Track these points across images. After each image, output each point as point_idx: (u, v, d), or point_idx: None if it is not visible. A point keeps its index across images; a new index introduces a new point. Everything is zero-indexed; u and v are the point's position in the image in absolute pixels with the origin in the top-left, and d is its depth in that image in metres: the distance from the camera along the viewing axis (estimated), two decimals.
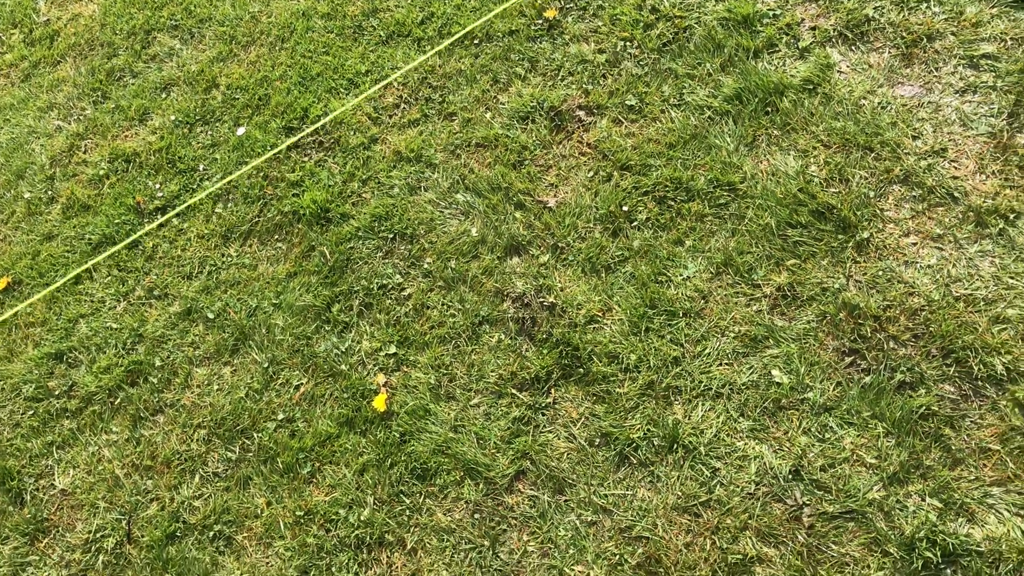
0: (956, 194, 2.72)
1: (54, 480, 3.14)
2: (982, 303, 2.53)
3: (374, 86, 3.80)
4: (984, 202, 2.68)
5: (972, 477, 2.32)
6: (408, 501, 2.74)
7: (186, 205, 3.68)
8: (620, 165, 3.17)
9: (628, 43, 3.49)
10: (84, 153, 4.19)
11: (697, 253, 2.90)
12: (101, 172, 4.04)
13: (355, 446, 2.88)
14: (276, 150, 3.72)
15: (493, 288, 3.06)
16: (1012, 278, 2.54)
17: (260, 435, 3.00)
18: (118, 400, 3.26)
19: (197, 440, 3.08)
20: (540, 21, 3.69)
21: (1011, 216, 2.63)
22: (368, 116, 3.72)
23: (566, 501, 2.60)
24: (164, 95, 4.28)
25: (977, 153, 2.79)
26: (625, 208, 3.06)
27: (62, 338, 3.50)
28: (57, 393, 3.35)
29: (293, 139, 3.72)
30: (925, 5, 3.14)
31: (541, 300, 2.97)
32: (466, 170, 3.39)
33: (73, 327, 3.53)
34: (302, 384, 3.08)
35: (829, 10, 3.26)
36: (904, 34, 3.09)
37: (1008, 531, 2.21)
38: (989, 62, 2.94)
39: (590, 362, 2.79)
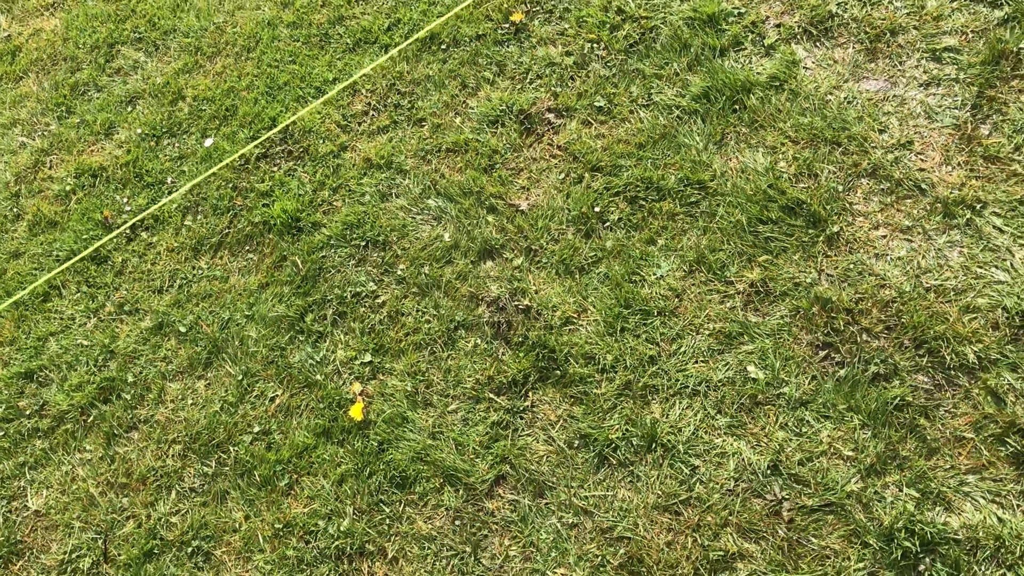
0: (923, 186, 2.75)
1: (27, 501, 3.10)
2: (952, 293, 2.55)
3: (340, 93, 3.79)
4: (951, 193, 2.70)
5: (948, 466, 2.34)
6: (388, 510, 2.72)
7: (142, 215, 3.64)
8: (591, 166, 3.18)
9: (595, 45, 3.50)
10: (50, 169, 4.13)
11: (670, 252, 2.91)
12: (67, 188, 3.99)
13: (333, 456, 2.86)
14: (230, 159, 3.69)
15: (468, 293, 3.05)
16: (980, 267, 2.57)
17: (236, 448, 2.97)
18: (91, 418, 3.21)
19: (172, 456, 3.04)
20: (507, 25, 3.69)
21: (977, 206, 2.66)
22: (337, 124, 3.70)
23: (547, 504, 2.59)
24: (130, 108, 4.24)
25: (943, 145, 2.81)
26: (597, 209, 3.07)
27: (32, 357, 3.45)
28: (28, 413, 3.30)
29: (247, 148, 3.69)
30: None
31: (516, 303, 2.96)
32: (437, 175, 3.38)
33: (43, 345, 3.48)
34: (277, 396, 3.05)
35: (793, 7, 3.29)
36: (868, 29, 3.12)
37: (984, 518, 2.23)
38: (951, 55, 2.97)
39: (567, 364, 2.79)
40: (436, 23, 3.73)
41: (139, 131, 4.08)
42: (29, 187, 4.09)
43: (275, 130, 3.71)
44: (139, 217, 3.66)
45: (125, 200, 3.82)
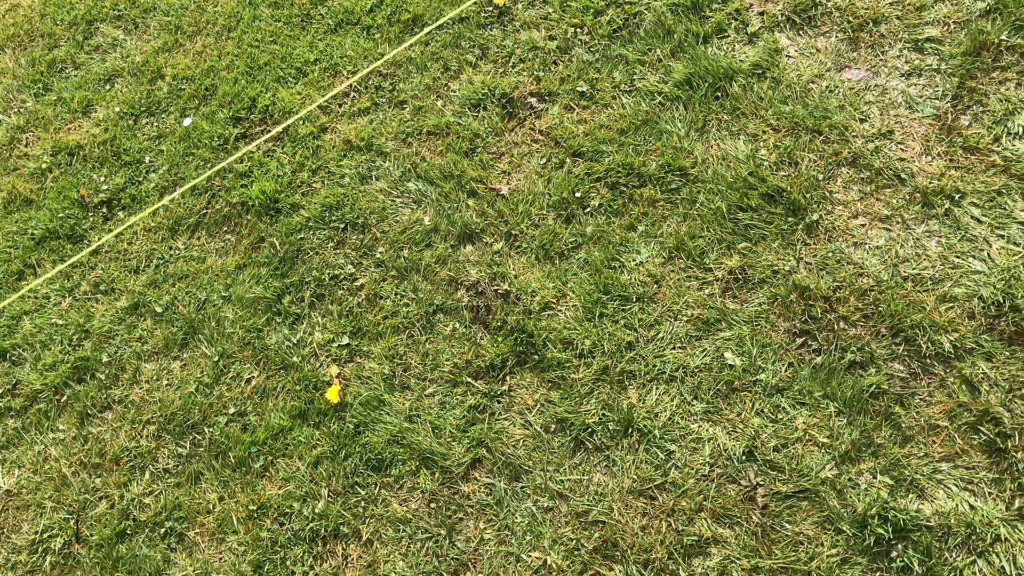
0: (903, 175, 2.76)
1: None
2: (929, 282, 2.56)
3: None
4: (930, 183, 2.71)
5: (922, 454, 2.35)
6: (363, 492, 2.71)
7: (165, 199, 3.60)
8: (572, 151, 3.17)
9: (578, 29, 3.48)
10: (26, 146, 4.08)
11: (650, 238, 2.90)
12: (44, 165, 3.94)
13: (308, 438, 2.84)
14: (242, 152, 3.65)
15: (447, 277, 3.04)
16: (958, 257, 2.58)
17: (211, 430, 2.95)
18: (64, 397, 3.18)
19: (147, 436, 3.02)
20: (490, 8, 3.67)
21: (956, 196, 2.67)
22: (317, 105, 3.67)
23: (522, 488, 2.59)
24: (108, 86, 4.19)
25: (923, 135, 2.82)
26: (578, 194, 3.06)
27: (5, 336, 3.41)
28: (0, 392, 3.26)
29: (278, 128, 3.66)
30: None
31: (495, 288, 2.95)
32: (418, 158, 3.36)
33: (16, 324, 3.44)
34: (253, 377, 3.03)
35: None
36: (850, 18, 3.12)
37: (956, 505, 2.25)
38: (933, 45, 2.97)
39: (545, 349, 2.78)
40: (442, 19, 3.70)
41: (117, 109, 4.03)
42: (4, 164, 4.03)
43: (280, 126, 3.68)
44: (159, 204, 3.62)
45: (102, 179, 3.78)
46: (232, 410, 2.98)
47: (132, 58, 4.25)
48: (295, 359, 3.01)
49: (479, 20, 3.66)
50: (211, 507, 2.81)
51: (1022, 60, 2.85)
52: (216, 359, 3.10)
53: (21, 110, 4.25)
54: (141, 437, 3.02)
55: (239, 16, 4.18)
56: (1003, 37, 2.89)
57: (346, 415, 2.85)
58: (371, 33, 3.83)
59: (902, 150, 2.81)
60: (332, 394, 2.87)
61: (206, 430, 2.96)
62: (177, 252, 3.45)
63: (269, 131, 3.67)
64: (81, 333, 3.33)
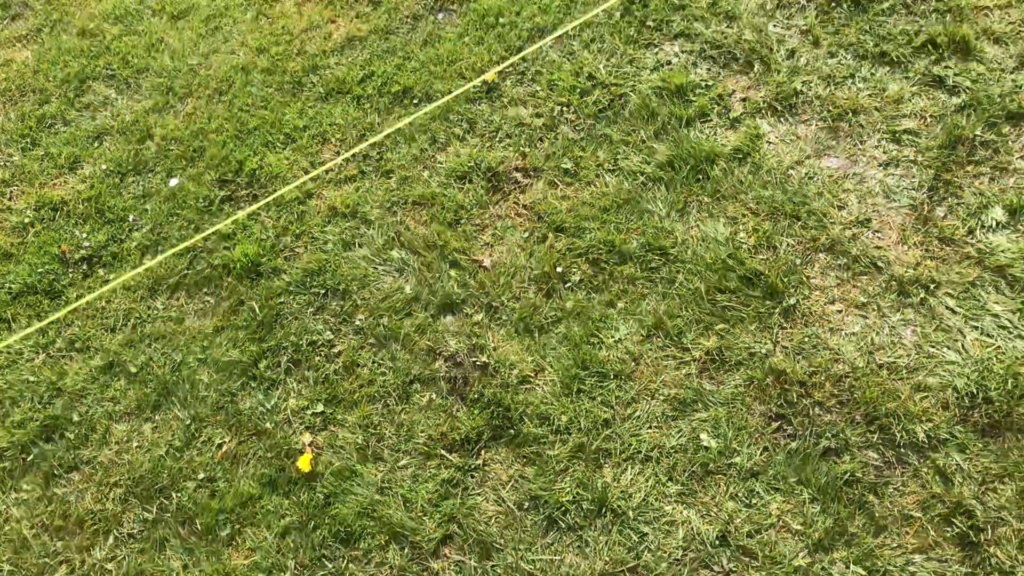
0: (879, 263, 2.79)
1: None
2: (904, 371, 2.58)
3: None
4: (906, 272, 2.75)
5: (895, 544, 2.33)
6: (331, 566, 2.65)
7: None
8: (555, 227, 3.20)
9: (565, 108, 3.55)
10: (9, 200, 4.08)
11: (629, 316, 2.91)
12: (26, 220, 3.93)
13: (277, 508, 2.80)
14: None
15: (425, 346, 3.03)
16: (933, 347, 2.60)
17: (179, 495, 2.90)
18: (31, 456, 3.12)
19: (113, 499, 2.96)
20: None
21: (931, 286, 2.70)
22: (304, 171, 3.70)
23: (493, 567, 2.55)
24: (96, 144, 4.21)
25: (899, 224, 2.87)
26: (559, 269, 3.08)
27: None
28: None
29: (270, 198, 3.67)
30: (850, 81, 3.26)
31: (474, 359, 2.95)
32: (402, 227, 3.38)
33: None
34: (225, 442, 2.99)
35: (759, 82, 3.36)
36: (830, 108, 3.20)
37: None
38: (910, 137, 3.05)
39: (521, 423, 2.77)
40: (444, 99, 3.76)
41: (104, 167, 4.04)
42: None
43: (271, 196, 3.70)
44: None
45: (84, 235, 3.77)
46: (201, 475, 2.93)
47: (122, 117, 4.28)
48: (268, 425, 2.98)
49: (468, 95, 3.72)
50: (174, 575, 2.75)
51: (995, 155, 2.93)
52: (188, 422, 3.06)
53: (7, 164, 4.25)
54: (107, 500, 2.96)
55: (231, 80, 4.23)
56: (977, 132, 2.96)
57: (317, 485, 2.81)
58: (361, 103, 3.89)
59: (879, 238, 2.86)
60: (304, 463, 2.84)
61: (174, 495, 2.91)
62: (155, 312, 3.43)
63: (255, 194, 3.68)
64: (53, 391, 3.28)
